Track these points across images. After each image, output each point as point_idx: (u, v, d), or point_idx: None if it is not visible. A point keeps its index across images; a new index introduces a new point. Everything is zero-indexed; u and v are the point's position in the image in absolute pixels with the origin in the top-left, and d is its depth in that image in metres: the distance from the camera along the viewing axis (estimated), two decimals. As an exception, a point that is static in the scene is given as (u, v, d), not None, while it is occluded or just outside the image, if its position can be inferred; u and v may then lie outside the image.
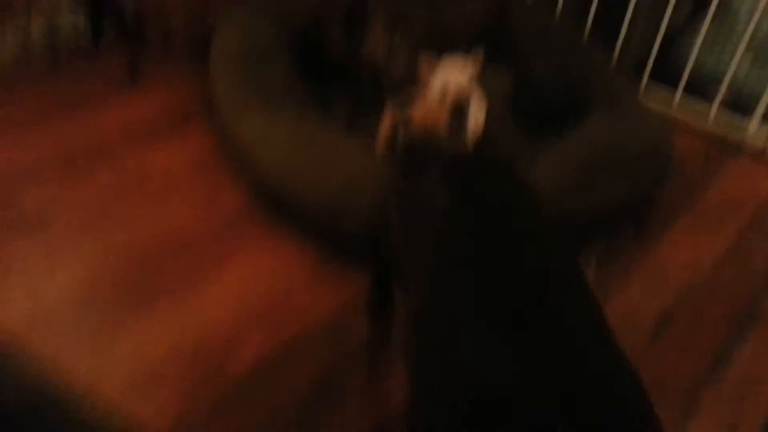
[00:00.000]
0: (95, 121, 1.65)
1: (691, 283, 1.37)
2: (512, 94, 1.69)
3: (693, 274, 1.39)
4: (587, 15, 1.94)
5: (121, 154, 1.55)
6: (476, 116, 1.39)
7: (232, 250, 1.35)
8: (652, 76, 1.91)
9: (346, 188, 1.30)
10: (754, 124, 1.80)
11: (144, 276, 1.26)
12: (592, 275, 1.36)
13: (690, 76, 1.86)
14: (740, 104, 1.85)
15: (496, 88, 1.68)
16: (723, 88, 1.82)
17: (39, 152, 1.53)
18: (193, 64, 1.87)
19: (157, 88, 1.80)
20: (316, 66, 1.70)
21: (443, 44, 1.76)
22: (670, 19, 1.82)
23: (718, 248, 1.46)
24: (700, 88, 1.89)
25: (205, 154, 1.59)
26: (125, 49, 1.88)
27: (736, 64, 1.77)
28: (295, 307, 1.23)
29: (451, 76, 1.34)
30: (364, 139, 1.45)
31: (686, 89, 1.88)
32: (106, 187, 1.46)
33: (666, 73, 1.94)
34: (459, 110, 1.27)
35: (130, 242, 1.32)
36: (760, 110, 1.78)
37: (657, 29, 1.86)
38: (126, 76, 1.80)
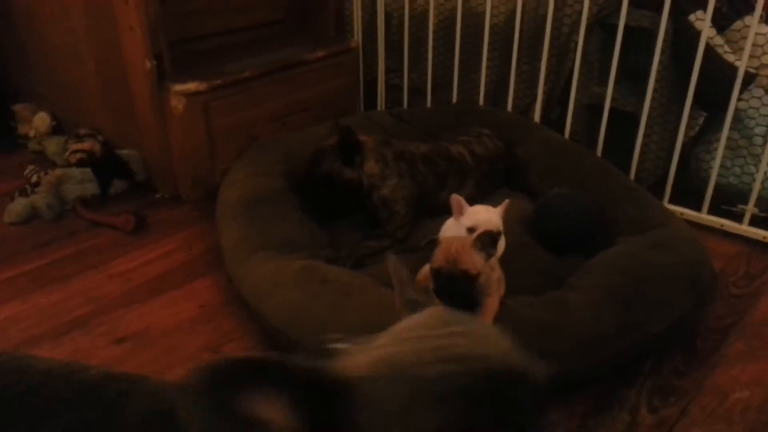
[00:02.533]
0: (98, 278, 1.60)
1: (760, 418, 1.20)
2: (531, 220, 1.63)
3: (760, 407, 1.22)
4: (597, 137, 1.92)
5: (123, 314, 1.48)
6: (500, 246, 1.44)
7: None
8: (672, 199, 1.85)
9: (363, 328, 1.20)
10: (792, 234, 1.70)
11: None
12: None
13: (713, 191, 1.79)
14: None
15: (514, 213, 1.64)
16: (751, 204, 1.74)
17: (37, 314, 1.47)
18: (200, 214, 1.87)
19: (164, 240, 1.77)
20: (320, 205, 1.68)
21: (451, 171, 1.75)
22: (684, 134, 1.80)
23: (782, 373, 1.30)
24: (725, 202, 1.81)
25: (212, 306, 1.51)
26: (133, 202, 1.92)
27: (761, 178, 1.70)
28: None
29: (483, 215, 1.40)
30: (375, 277, 1.38)
31: (711, 206, 1.81)
32: (105, 354, 1.37)
33: (686, 191, 1.87)
34: (490, 241, 1.24)
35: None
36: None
37: (672, 146, 1.82)
38: (133, 229, 1.78)
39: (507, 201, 1.47)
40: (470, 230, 1.40)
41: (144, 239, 1.77)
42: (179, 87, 1.79)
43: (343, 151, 1.64)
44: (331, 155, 1.65)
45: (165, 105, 1.81)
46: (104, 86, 1.98)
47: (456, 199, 1.42)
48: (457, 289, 1.18)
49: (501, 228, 1.43)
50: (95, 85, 2.00)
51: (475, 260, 1.18)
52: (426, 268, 1.36)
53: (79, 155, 1.95)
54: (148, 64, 1.77)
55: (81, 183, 1.89)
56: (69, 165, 1.95)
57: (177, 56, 1.85)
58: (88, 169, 1.90)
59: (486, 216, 1.42)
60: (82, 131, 2.03)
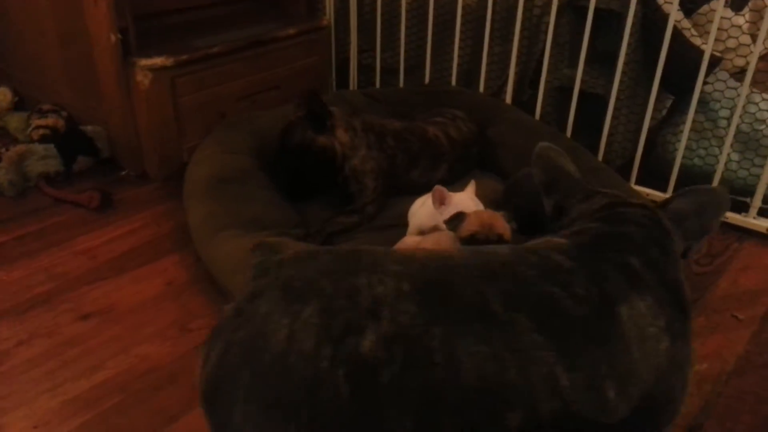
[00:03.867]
0: (62, 255, 1.57)
1: (716, 389, 1.23)
2: (501, 201, 1.64)
3: (716, 379, 1.25)
4: (567, 119, 1.94)
5: (88, 291, 1.46)
6: None
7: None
8: (638, 180, 1.88)
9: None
10: (753, 213, 1.74)
11: (105, 428, 1.12)
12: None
13: (678, 173, 1.82)
14: (735, 197, 1.79)
15: (485, 194, 1.64)
16: (714, 185, 1.77)
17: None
18: (167, 192, 1.85)
19: (130, 217, 1.74)
20: (296, 180, 1.67)
21: (425, 152, 1.74)
22: (651, 116, 1.82)
23: (737, 347, 1.34)
24: (690, 183, 1.84)
25: (179, 283, 1.50)
26: (98, 179, 1.89)
27: (724, 159, 1.74)
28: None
29: (471, 205, 1.38)
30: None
31: (676, 187, 1.84)
32: (69, 331, 1.34)
33: (652, 172, 1.90)
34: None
35: (90, 392, 1.19)
36: (757, 203, 1.73)
37: (639, 128, 1.85)
38: (98, 206, 1.75)
39: (473, 182, 1.46)
40: None
41: (109, 217, 1.74)
42: (145, 62, 1.75)
43: (311, 118, 1.62)
44: (301, 125, 1.63)
45: (130, 80, 1.78)
46: (68, 61, 1.92)
47: (439, 189, 1.37)
48: None
49: None
50: (58, 60, 1.95)
51: (506, 227, 1.22)
52: (406, 240, 1.38)
53: (42, 131, 1.90)
54: (113, 38, 1.73)
55: (44, 159, 1.84)
56: (32, 141, 1.90)
57: (143, 30, 1.80)
58: (52, 146, 1.86)
59: (474, 206, 1.40)
60: (45, 107, 1.98)
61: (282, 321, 0.74)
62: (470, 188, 1.44)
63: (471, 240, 1.20)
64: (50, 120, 1.92)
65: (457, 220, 1.23)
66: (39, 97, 2.06)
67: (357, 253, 0.84)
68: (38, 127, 1.91)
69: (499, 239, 1.20)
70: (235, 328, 0.77)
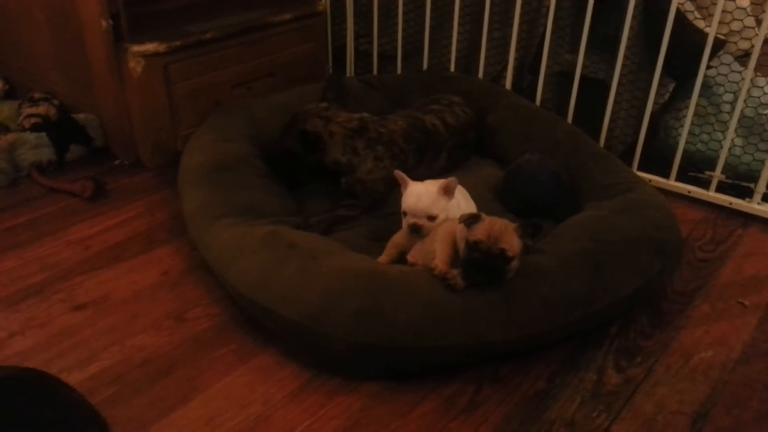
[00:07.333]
0: (55, 245, 1.54)
1: (722, 377, 1.21)
2: (501, 187, 1.62)
3: (723, 367, 1.23)
4: (568, 105, 1.91)
5: (82, 281, 1.43)
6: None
7: (202, 376, 1.19)
8: (640, 166, 1.85)
9: (328, 292, 1.18)
10: (757, 199, 1.71)
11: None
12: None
13: (681, 158, 1.80)
14: (738, 182, 1.77)
15: (485, 180, 1.62)
16: (718, 171, 1.75)
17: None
18: (162, 181, 1.82)
19: (124, 206, 1.71)
20: (288, 174, 1.65)
21: (429, 146, 1.71)
22: (653, 101, 1.79)
23: (743, 334, 1.32)
24: (692, 168, 1.82)
25: (175, 273, 1.47)
26: (91, 168, 1.85)
27: (727, 145, 1.71)
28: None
29: (412, 200, 1.32)
30: (343, 242, 1.36)
31: (678, 172, 1.81)
32: (63, 322, 1.31)
33: (654, 158, 1.88)
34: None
35: (85, 384, 1.16)
36: (761, 188, 1.70)
37: (642, 113, 1.82)
38: (91, 195, 1.72)
39: (452, 179, 1.34)
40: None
41: (103, 206, 1.71)
42: (137, 48, 1.71)
43: (304, 141, 1.60)
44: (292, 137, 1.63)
45: (123, 67, 1.74)
46: (58, 48, 1.88)
47: (398, 174, 1.35)
48: (490, 266, 1.17)
49: (433, 211, 1.32)
50: (49, 47, 1.91)
51: (514, 243, 1.16)
52: (401, 234, 1.35)
53: (33, 120, 1.87)
54: (104, 23, 1.69)
55: (36, 148, 1.81)
56: (23, 130, 1.86)
57: (135, 16, 1.77)
58: (44, 134, 1.82)
59: (428, 199, 1.31)
60: (37, 95, 1.94)
61: None
62: (442, 182, 1.33)
63: (475, 247, 1.16)
64: (42, 108, 1.88)
65: (472, 220, 1.18)
66: (30, 85, 2.03)
67: None
68: (30, 115, 1.87)
69: (501, 254, 1.15)
70: None
